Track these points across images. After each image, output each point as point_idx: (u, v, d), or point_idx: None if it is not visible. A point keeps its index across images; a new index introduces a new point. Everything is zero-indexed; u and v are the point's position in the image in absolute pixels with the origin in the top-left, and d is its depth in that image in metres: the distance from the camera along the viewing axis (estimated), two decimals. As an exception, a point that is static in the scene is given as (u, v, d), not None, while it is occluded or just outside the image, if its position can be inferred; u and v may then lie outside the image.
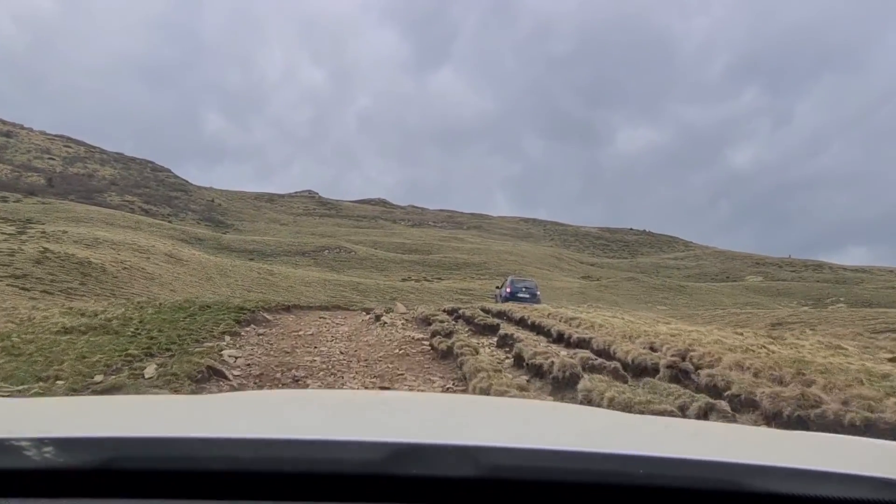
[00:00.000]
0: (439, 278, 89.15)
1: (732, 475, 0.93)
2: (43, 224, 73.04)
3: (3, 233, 62.12)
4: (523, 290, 26.32)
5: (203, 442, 0.99)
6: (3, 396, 5.08)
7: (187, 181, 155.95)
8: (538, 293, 27.00)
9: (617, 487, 0.92)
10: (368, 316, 19.21)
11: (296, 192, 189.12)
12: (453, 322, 16.01)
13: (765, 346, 10.42)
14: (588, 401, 6.44)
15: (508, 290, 26.22)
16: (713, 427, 2.57)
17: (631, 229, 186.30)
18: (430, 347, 11.42)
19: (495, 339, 12.44)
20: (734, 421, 5.64)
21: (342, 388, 7.88)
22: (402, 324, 16.65)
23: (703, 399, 6.15)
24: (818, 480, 0.95)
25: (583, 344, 10.37)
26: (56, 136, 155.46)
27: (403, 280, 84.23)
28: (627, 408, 5.67)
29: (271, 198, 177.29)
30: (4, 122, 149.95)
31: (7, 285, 40.25)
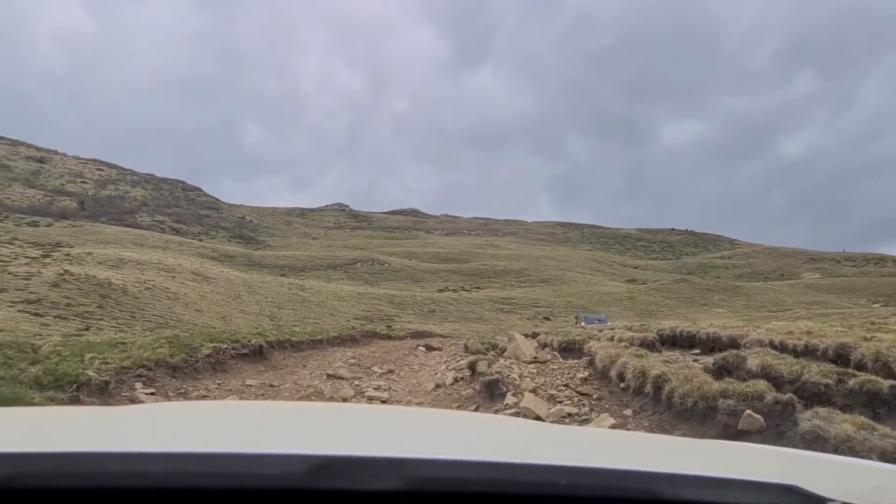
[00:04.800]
0: (478, 287, 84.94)
1: (648, 484, 0.97)
2: (71, 247, 71.22)
3: (26, 257, 60.10)
4: (596, 321, 33.00)
5: (112, 456, 0.93)
6: None
7: (218, 199, 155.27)
8: (608, 321, 34.64)
9: (541, 498, 0.95)
10: (446, 363, 12.73)
11: (326, 206, 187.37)
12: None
13: None
14: None
15: (584, 323, 32.76)
16: (633, 437, 2.60)
17: (672, 229, 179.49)
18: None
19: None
20: None
21: None
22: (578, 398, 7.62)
23: None
24: (725, 487, 1.00)
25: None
26: (89, 159, 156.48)
27: (441, 291, 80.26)
28: None
29: (302, 212, 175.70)
30: (38, 149, 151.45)
31: (18, 311, 37.43)
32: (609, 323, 34.41)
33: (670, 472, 1.03)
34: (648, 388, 6.46)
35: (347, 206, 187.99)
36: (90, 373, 7.06)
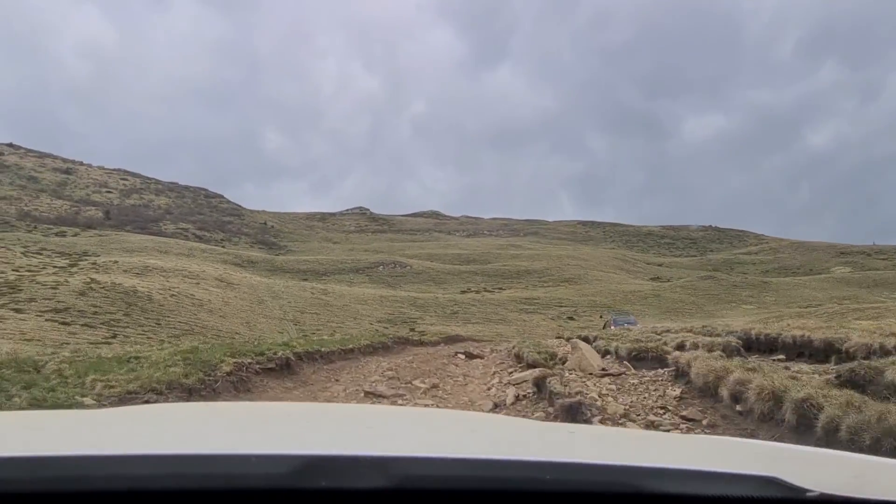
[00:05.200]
0: (500, 288, 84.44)
1: (632, 478, 0.99)
2: (97, 256, 72.18)
3: (54, 266, 61.01)
4: (625, 324, 32.74)
5: (93, 459, 0.93)
6: None
7: (240, 205, 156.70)
8: (637, 324, 34.21)
9: (527, 493, 0.96)
10: (496, 375, 11.41)
11: (347, 210, 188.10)
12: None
13: None
14: None
15: (614, 326, 32.30)
16: (615, 432, 2.58)
17: (696, 225, 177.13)
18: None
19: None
20: None
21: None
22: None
23: None
24: (707, 480, 1.02)
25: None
26: (113, 169, 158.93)
27: (463, 292, 79.91)
28: None
29: (323, 217, 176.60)
30: (65, 160, 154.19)
31: (46, 320, 37.87)
32: (638, 325, 33.13)
33: (654, 465, 1.06)
34: (788, 416, 4.90)
35: (368, 210, 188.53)
36: (88, 400, 6.37)
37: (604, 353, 11.62)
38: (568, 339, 17.97)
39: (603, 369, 9.50)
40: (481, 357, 15.57)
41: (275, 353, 10.66)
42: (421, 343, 19.22)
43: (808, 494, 0.98)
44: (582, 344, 11.28)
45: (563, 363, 10.27)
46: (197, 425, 1.51)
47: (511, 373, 10.79)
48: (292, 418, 1.67)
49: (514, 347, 15.14)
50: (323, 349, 12.71)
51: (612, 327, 33.29)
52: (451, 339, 23.14)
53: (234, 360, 9.33)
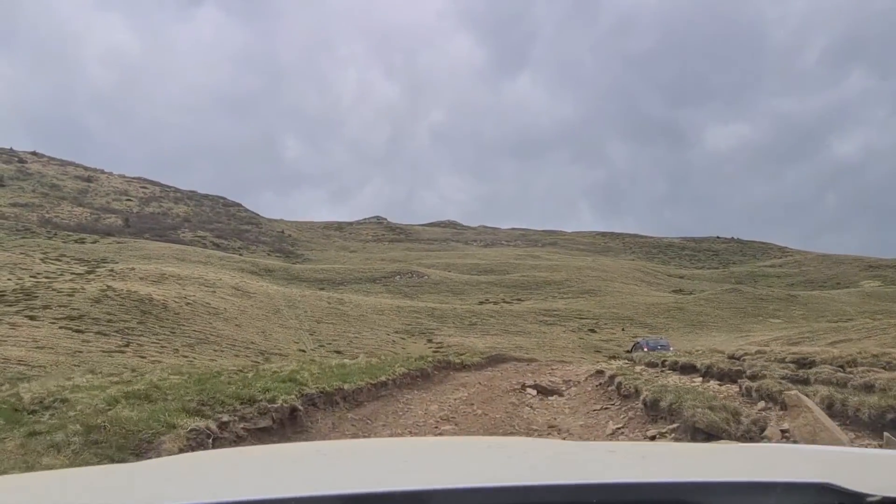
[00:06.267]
0: (519, 299, 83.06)
1: (678, 494, 0.96)
2: (115, 263, 72.05)
3: (72, 273, 60.83)
4: (658, 347, 30.46)
5: None
6: None
7: (258, 214, 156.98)
8: (671, 347, 31.13)
9: None
10: (610, 424, 8.12)
11: (364, 219, 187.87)
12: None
13: None
14: None
15: (646, 349, 30.55)
16: (655, 447, 2.50)
17: (717, 237, 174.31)
18: None
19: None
20: None
21: None
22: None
23: None
24: (756, 492, 0.98)
25: None
26: (134, 178, 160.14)
27: (481, 303, 78.64)
28: None
29: (340, 226, 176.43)
30: (86, 168, 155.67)
31: (60, 328, 37.29)
32: (672, 348, 29.88)
33: (699, 480, 1.02)
34: None
35: (385, 219, 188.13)
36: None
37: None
38: (767, 391, 13.93)
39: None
40: (559, 393, 12.32)
41: (272, 400, 7.15)
42: (463, 366, 16.34)
43: (869, 500, 0.93)
44: (809, 402, 6.11)
45: (760, 430, 5.90)
46: (236, 470, 1.49)
47: (646, 429, 7.20)
48: (331, 457, 1.64)
49: (612, 378, 11.47)
50: (346, 385, 9.35)
51: (645, 349, 30.23)
52: (495, 360, 20.80)
53: (198, 420, 5.83)
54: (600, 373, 13.95)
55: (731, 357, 13.03)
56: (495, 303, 79.69)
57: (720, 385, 9.60)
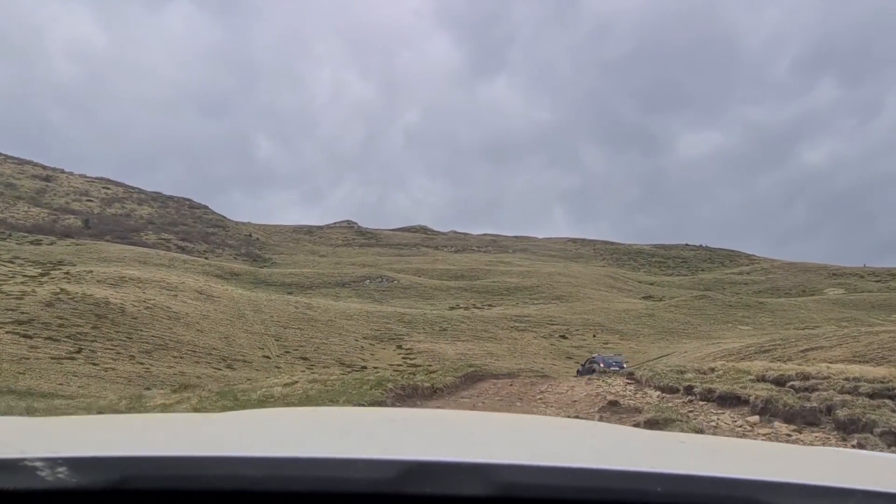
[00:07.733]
0: (490, 305, 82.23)
1: (748, 492, 0.92)
2: (72, 265, 69.13)
3: (24, 276, 58.02)
4: (613, 364, 28.60)
5: (212, 461, 0.98)
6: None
7: (224, 217, 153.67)
8: (624, 364, 29.20)
9: None
10: None
11: (334, 223, 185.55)
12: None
13: None
14: None
15: (602, 364, 28.84)
16: (728, 442, 2.43)
17: (686, 244, 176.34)
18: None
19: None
20: None
21: None
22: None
23: None
24: (837, 498, 0.93)
25: None
26: (95, 178, 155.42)
27: (452, 308, 77.57)
28: None
29: (310, 230, 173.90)
30: (45, 167, 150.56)
31: (6, 332, 35.11)
32: (625, 366, 26.64)
33: (774, 479, 0.96)
34: None
35: (356, 224, 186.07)
36: None
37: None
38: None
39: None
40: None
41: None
42: (434, 391, 13.54)
43: None
44: None
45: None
46: (305, 429, 1.53)
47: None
48: (393, 424, 1.65)
49: (648, 419, 9.13)
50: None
51: (601, 365, 27.94)
52: (471, 379, 18.11)
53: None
54: (613, 403, 11.36)
55: (778, 383, 10.61)
56: (466, 308, 78.75)
57: (793, 430, 7.45)
